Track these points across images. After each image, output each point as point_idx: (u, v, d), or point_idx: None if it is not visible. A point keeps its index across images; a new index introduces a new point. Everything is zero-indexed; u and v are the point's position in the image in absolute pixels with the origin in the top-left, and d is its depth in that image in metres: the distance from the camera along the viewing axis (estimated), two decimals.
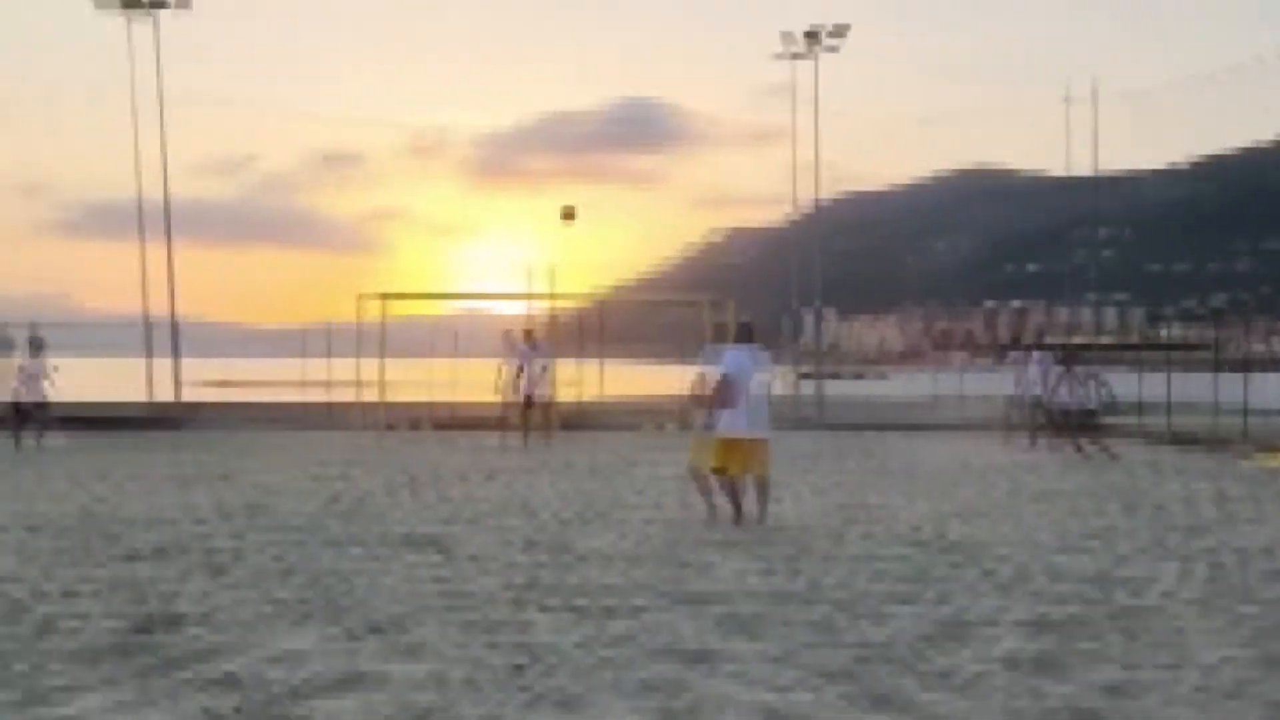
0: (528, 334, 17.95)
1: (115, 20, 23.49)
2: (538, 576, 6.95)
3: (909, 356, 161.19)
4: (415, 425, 20.26)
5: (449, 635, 5.49)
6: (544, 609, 6.08)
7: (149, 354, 22.33)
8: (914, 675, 4.82)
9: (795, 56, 29.48)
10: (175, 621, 5.73)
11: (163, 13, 23.43)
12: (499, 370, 17.36)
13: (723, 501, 9.21)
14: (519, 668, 4.95)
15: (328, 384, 22.10)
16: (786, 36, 29.27)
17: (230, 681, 4.70)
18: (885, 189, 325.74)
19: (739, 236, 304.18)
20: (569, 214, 20.99)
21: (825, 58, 29.18)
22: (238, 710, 4.36)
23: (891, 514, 9.85)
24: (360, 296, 19.62)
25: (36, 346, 15.68)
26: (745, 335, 9.33)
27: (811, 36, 28.97)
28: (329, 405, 22.06)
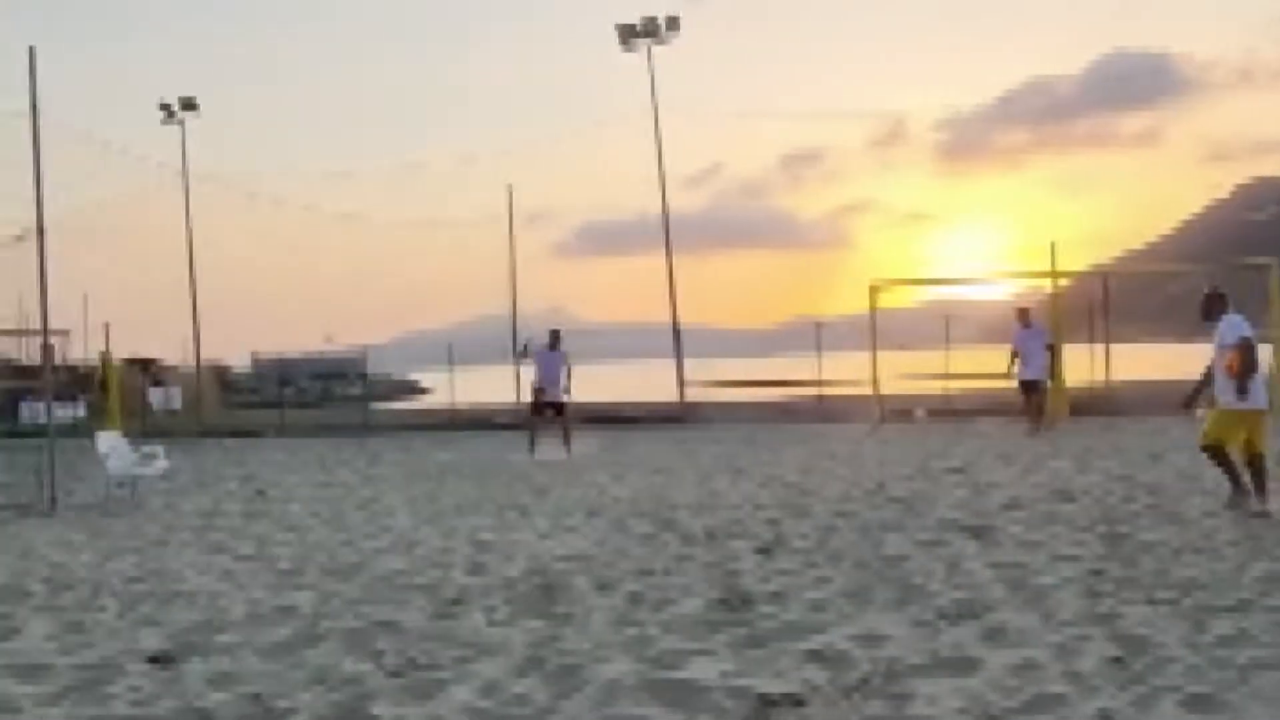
0: (1021, 313, 16.85)
1: (612, 54, 25.68)
2: (1104, 567, 6.46)
3: None
4: (908, 416, 20.02)
5: (1029, 623, 5.25)
6: (1123, 600, 5.62)
7: (677, 357, 24.09)
8: None
9: None
10: (749, 600, 6.03)
11: (654, 41, 25.35)
12: (1011, 355, 16.51)
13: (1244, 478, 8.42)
14: (1118, 660, 4.59)
15: (819, 380, 22.55)
16: None
17: (821, 657, 4.83)
18: None
19: (1258, 189, 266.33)
20: None
21: None
22: (832, 683, 4.46)
23: None
24: (872, 285, 19.71)
25: (553, 342, 16.05)
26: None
27: None
28: (820, 399, 22.50)
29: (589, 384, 29.62)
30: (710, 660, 4.88)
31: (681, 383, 24.30)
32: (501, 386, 29.21)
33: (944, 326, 22.54)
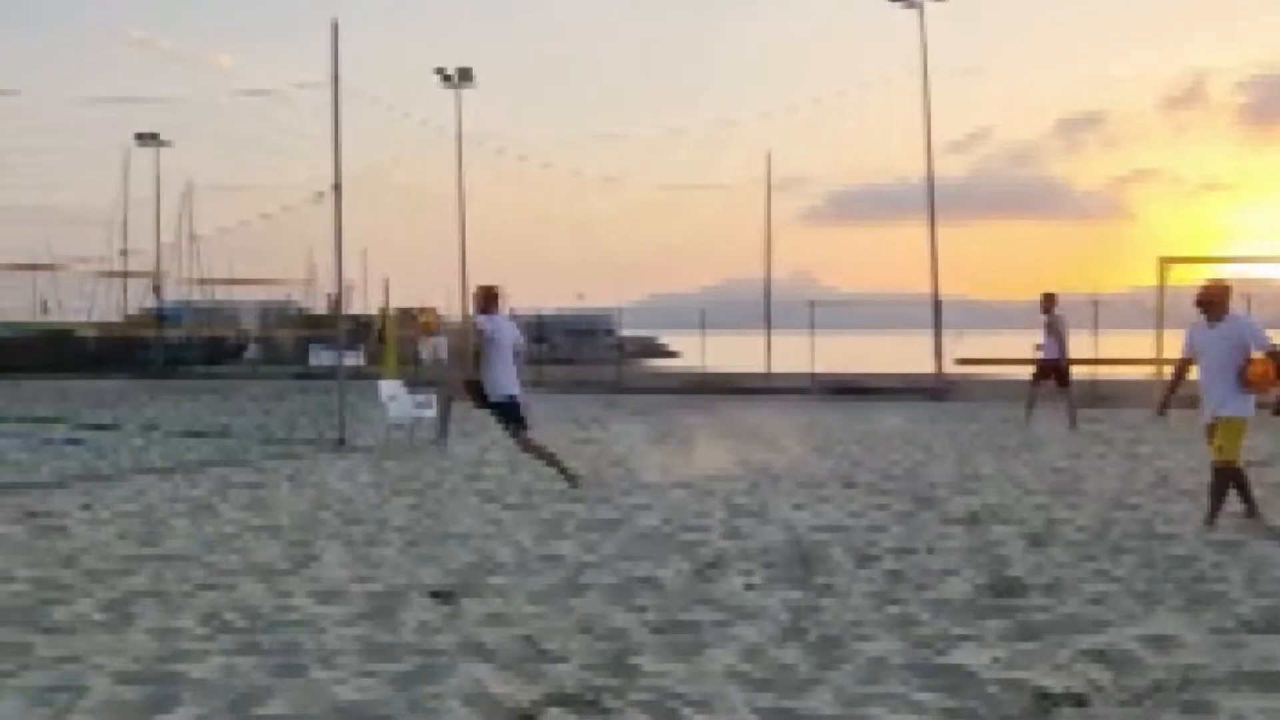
0: None
1: (881, 14, 24.87)
2: None
3: None
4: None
5: None
6: None
7: (936, 329, 23.35)
8: None
9: None
10: (1018, 589, 5.72)
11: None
12: None
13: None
14: None
15: (1094, 360, 21.14)
16: None
17: (1104, 657, 4.51)
18: None
19: None
20: None
21: None
22: (1118, 686, 4.16)
23: None
24: (1162, 260, 18.27)
25: None
26: None
27: None
28: (1093, 382, 21.12)
29: (840, 354, 29.20)
30: (974, 647, 4.67)
31: (940, 356, 23.45)
32: (751, 352, 29.30)
33: (1242, 306, 20.55)
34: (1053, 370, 15.27)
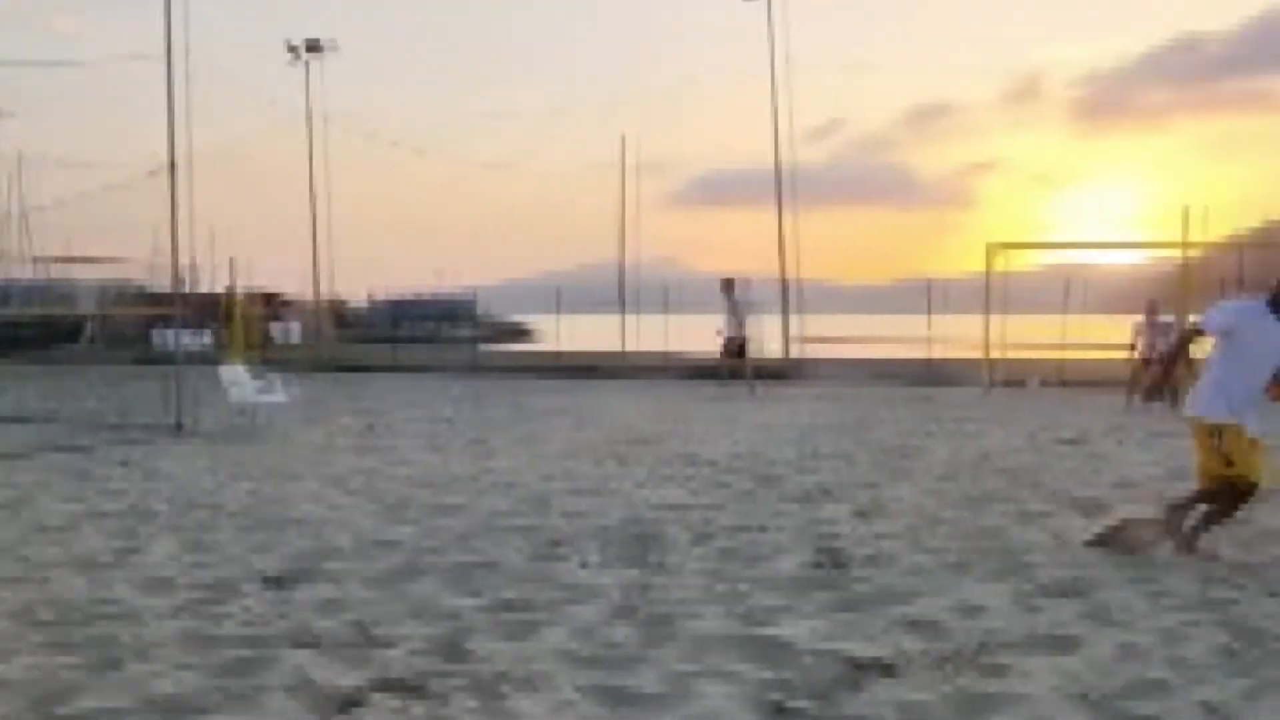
0: (1150, 305, 15.96)
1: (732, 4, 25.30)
2: (1220, 552, 6.22)
3: None
4: (1020, 383, 19.49)
5: (1134, 605, 5.09)
6: (1237, 587, 5.41)
7: (784, 312, 23.97)
8: None
9: None
10: (844, 562, 5.99)
11: None
12: (1130, 346, 15.88)
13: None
14: (1228, 650, 4.43)
15: (929, 340, 22.08)
16: None
17: (918, 625, 4.78)
18: None
19: None
20: None
21: None
22: (925, 653, 4.41)
23: None
24: (990, 245, 19.15)
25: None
26: None
27: None
28: (928, 362, 22.06)
29: (697, 336, 29.62)
30: (800, 619, 4.88)
31: (787, 338, 24.09)
32: (609, 334, 29.46)
33: (1063, 292, 21.82)
34: (739, 346, 17.56)
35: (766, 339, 22.42)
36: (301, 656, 4.30)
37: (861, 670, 4.20)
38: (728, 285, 17.96)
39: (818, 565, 5.92)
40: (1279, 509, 7.66)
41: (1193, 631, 4.68)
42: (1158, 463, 10.02)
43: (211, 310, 34.16)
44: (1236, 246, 23.20)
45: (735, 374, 17.86)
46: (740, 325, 17.84)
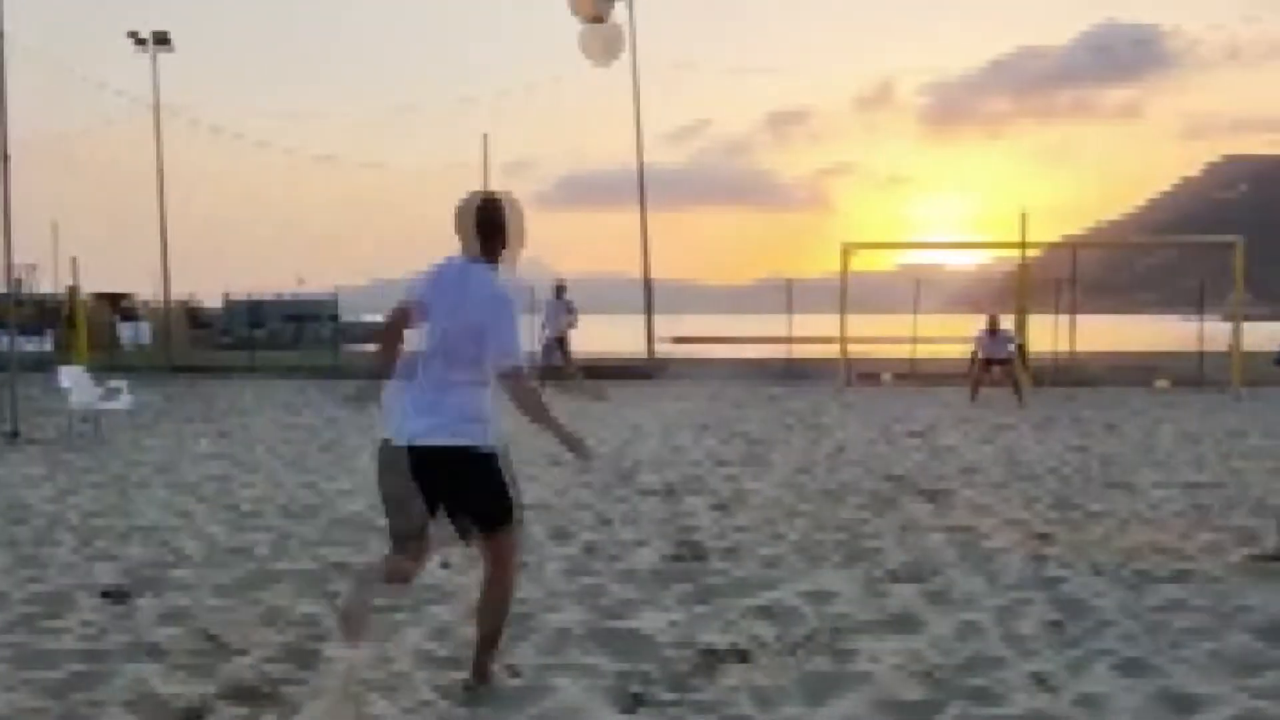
0: (991, 320, 16.64)
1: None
2: (1052, 533, 6.60)
3: None
4: (874, 379, 20.17)
5: (974, 586, 5.36)
6: (1066, 565, 5.75)
7: (647, 311, 24.11)
8: None
9: None
10: (703, 554, 6.11)
11: None
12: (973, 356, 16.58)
13: None
14: (1057, 624, 4.70)
15: (789, 339, 22.60)
16: None
17: (772, 613, 4.91)
18: None
19: (1227, 168, 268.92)
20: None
21: None
22: (779, 639, 4.54)
23: None
24: (844, 245, 19.67)
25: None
26: None
27: None
28: (788, 360, 22.59)
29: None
30: (656, 612, 4.95)
31: (651, 337, 24.31)
32: None
33: (914, 292, 22.67)
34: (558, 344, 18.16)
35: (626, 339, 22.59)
36: (144, 669, 4.14)
37: (717, 658, 4.30)
38: (560, 290, 18.57)
39: (677, 558, 6.02)
40: (1105, 492, 8.17)
41: (1026, 609, 4.95)
42: (997, 452, 10.53)
43: (53, 312, 32.39)
44: (1070, 247, 24.50)
45: (553, 374, 17.78)
46: (556, 326, 18.16)
